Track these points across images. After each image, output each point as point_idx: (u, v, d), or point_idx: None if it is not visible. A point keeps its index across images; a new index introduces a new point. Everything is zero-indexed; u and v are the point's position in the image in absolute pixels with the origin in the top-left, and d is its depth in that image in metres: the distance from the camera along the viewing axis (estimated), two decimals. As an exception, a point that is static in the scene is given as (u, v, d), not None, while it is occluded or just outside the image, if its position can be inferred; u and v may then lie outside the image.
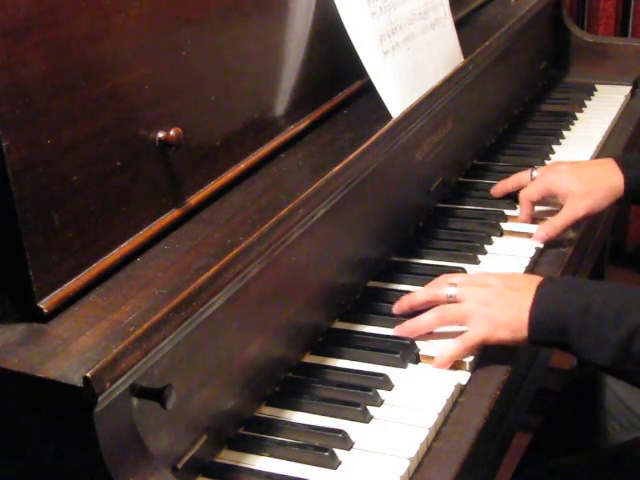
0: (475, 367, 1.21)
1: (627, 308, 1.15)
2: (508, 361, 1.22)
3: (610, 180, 1.50)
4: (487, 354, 1.24)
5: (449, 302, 1.25)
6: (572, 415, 1.66)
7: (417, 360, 1.23)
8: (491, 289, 1.24)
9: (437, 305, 1.26)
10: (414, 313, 1.29)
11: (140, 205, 1.03)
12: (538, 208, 1.58)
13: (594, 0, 3.04)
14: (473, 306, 1.22)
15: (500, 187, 1.65)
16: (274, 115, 1.29)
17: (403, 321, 1.28)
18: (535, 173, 1.59)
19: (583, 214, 1.50)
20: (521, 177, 1.62)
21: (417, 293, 1.30)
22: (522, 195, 1.56)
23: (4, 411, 0.88)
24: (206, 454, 1.04)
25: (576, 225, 1.52)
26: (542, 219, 1.56)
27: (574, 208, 1.50)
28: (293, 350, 1.22)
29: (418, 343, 1.25)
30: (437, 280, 1.30)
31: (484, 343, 1.21)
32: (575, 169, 1.55)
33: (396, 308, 1.31)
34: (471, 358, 1.21)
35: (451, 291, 1.25)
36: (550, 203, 1.58)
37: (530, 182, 1.58)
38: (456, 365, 1.21)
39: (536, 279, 1.23)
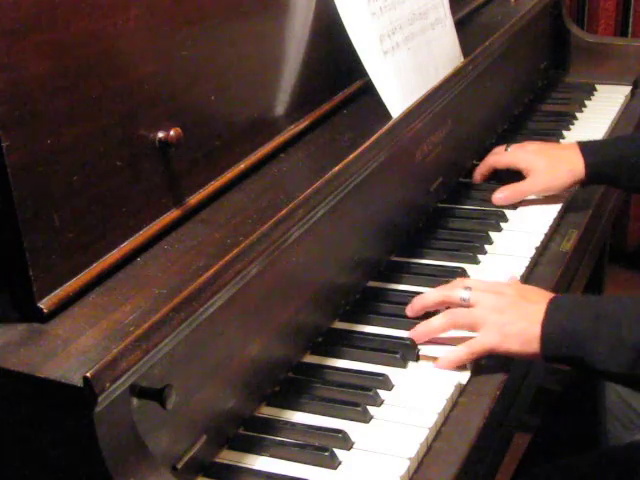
0: (475, 367, 1.21)
1: (637, 314, 1.15)
2: (508, 361, 1.22)
3: (572, 163, 1.62)
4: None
5: (461, 305, 1.24)
6: (573, 415, 1.66)
7: (417, 359, 1.23)
8: (505, 297, 1.23)
9: (449, 307, 1.26)
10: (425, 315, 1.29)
11: (140, 205, 1.03)
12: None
13: (594, 0, 3.04)
14: (485, 312, 1.21)
15: (479, 167, 1.74)
16: (274, 115, 1.29)
17: (408, 322, 1.29)
18: (509, 149, 1.72)
19: (541, 187, 1.63)
20: (496, 150, 1.76)
21: (430, 294, 1.29)
22: (490, 158, 1.72)
23: (4, 411, 0.88)
24: (206, 454, 1.04)
25: (531, 196, 1.64)
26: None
27: (534, 181, 1.63)
28: (293, 350, 1.22)
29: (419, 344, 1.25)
30: (452, 283, 1.29)
31: (491, 352, 1.20)
32: (542, 149, 1.68)
33: (409, 310, 1.30)
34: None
35: (465, 294, 1.24)
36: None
37: (501, 153, 1.73)
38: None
39: (550, 293, 1.23)
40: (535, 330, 1.17)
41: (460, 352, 1.20)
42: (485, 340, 1.20)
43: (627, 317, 1.14)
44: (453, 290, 1.26)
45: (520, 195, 1.64)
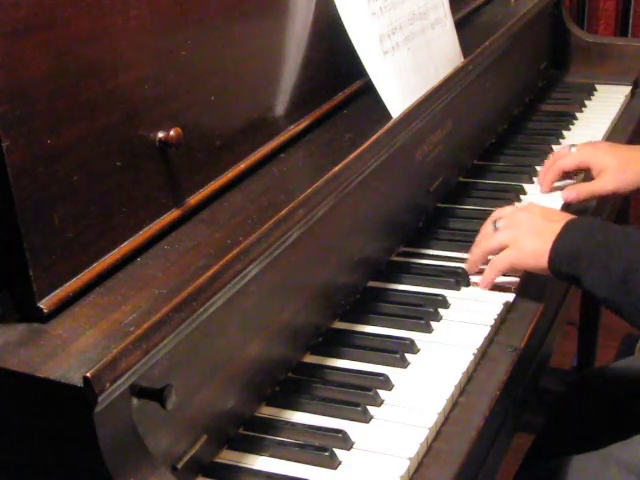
0: (475, 363, 1.21)
1: (633, 243, 1.22)
2: (508, 360, 1.23)
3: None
4: (487, 354, 1.24)
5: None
6: (574, 415, 1.66)
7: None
8: (527, 214, 1.35)
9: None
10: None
11: (140, 205, 1.03)
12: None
13: (594, 0, 3.04)
14: (507, 232, 1.35)
15: (544, 171, 1.70)
16: (274, 115, 1.29)
17: (408, 322, 1.30)
18: (574, 149, 1.68)
19: (611, 188, 1.59)
20: (560, 151, 1.71)
21: (473, 248, 1.42)
22: (558, 163, 1.66)
23: (4, 411, 0.88)
24: (206, 454, 1.04)
25: (601, 199, 1.64)
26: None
27: (605, 181, 1.59)
28: (293, 350, 1.22)
29: (419, 343, 1.25)
30: (485, 223, 1.43)
31: (512, 267, 1.34)
32: (614, 148, 1.65)
33: (468, 267, 1.42)
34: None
35: (496, 225, 1.38)
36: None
37: (568, 154, 1.67)
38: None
39: (570, 215, 1.33)
40: (547, 246, 1.28)
41: (488, 272, 1.35)
42: (505, 256, 1.34)
43: (620, 247, 1.22)
44: (486, 228, 1.41)
45: (590, 195, 1.61)
